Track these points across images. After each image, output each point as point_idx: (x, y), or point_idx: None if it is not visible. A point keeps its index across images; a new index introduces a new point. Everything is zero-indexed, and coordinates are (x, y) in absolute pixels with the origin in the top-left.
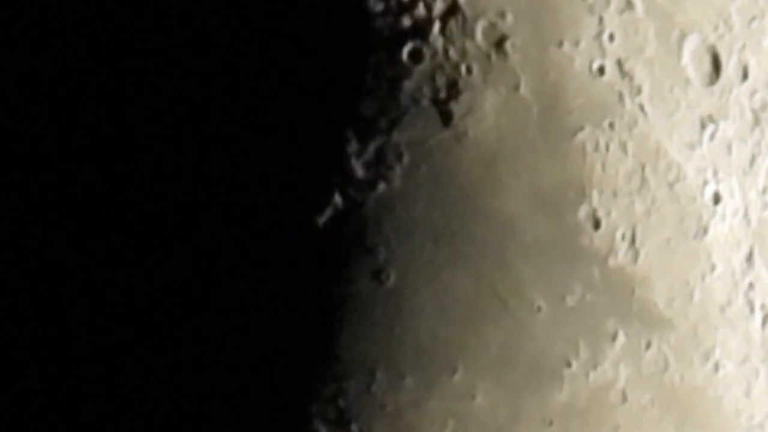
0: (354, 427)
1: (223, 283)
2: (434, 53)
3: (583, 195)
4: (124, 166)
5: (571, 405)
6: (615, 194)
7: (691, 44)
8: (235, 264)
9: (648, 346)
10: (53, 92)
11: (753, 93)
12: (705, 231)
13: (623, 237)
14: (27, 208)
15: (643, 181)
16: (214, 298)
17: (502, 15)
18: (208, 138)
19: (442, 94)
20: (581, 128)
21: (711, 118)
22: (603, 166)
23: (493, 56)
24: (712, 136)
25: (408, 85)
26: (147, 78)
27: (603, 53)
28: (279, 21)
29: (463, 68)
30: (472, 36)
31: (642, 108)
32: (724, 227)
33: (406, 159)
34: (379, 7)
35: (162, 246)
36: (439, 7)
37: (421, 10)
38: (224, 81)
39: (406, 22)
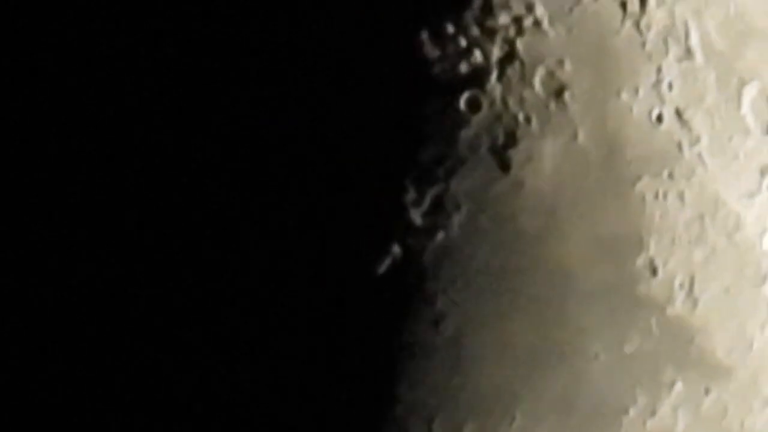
0: None
1: (286, 331)
2: (492, 101)
3: (641, 244)
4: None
5: None
6: (673, 243)
7: (750, 92)
8: (296, 312)
9: (707, 392)
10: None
11: None
12: (764, 279)
13: (681, 285)
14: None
15: (702, 230)
16: (277, 346)
17: (560, 63)
18: (270, 187)
19: (501, 143)
20: (640, 177)
21: None
22: (661, 215)
23: (552, 105)
24: None
25: (466, 133)
26: (215, 126)
27: (662, 102)
28: (338, 70)
29: (521, 117)
30: (531, 84)
31: (701, 157)
32: None
33: (464, 208)
34: (436, 54)
35: (223, 299)
36: (496, 54)
37: (478, 57)
38: (285, 130)
39: (464, 68)
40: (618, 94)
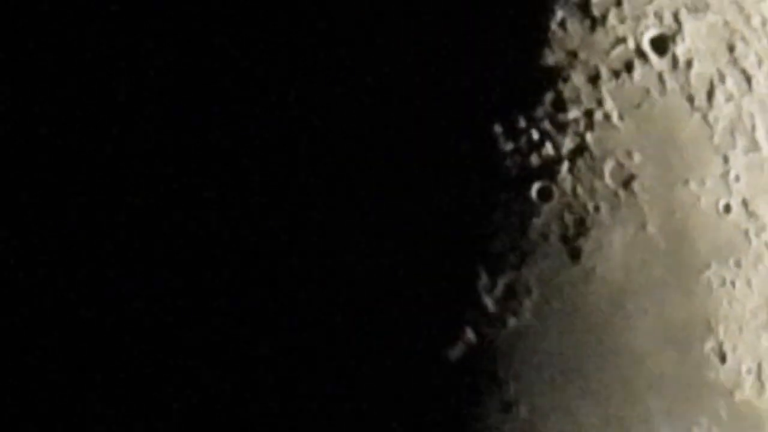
0: None
1: (359, 414)
2: (563, 192)
3: (709, 330)
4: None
5: None
6: (741, 329)
7: None
8: (370, 398)
9: None
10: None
11: None
12: None
13: (749, 371)
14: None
15: None
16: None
17: (629, 155)
18: (350, 272)
19: (571, 232)
20: (708, 266)
21: None
22: (729, 302)
23: (621, 195)
24: None
25: (537, 222)
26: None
27: (729, 192)
28: (417, 162)
29: (591, 207)
30: (601, 175)
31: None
32: None
33: (535, 294)
34: (509, 146)
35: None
36: (567, 146)
37: (549, 149)
38: (367, 219)
39: (535, 161)
40: (686, 184)
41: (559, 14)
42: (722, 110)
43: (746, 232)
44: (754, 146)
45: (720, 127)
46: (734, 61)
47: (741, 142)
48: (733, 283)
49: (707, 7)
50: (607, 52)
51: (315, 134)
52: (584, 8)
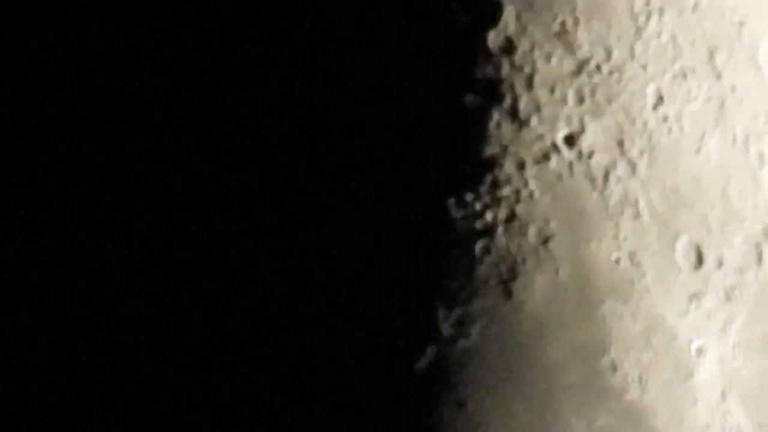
0: None
1: (337, 410)
2: (499, 248)
3: (605, 349)
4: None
5: None
6: (628, 349)
7: (682, 242)
8: (349, 397)
9: None
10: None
11: (725, 277)
12: (692, 375)
13: (634, 379)
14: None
15: (648, 339)
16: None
17: (547, 222)
18: (334, 301)
19: (505, 277)
20: (604, 302)
21: (696, 295)
22: (619, 329)
23: (541, 251)
24: (697, 308)
25: (480, 270)
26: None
27: (619, 248)
28: (386, 230)
29: (519, 259)
30: (526, 236)
31: (647, 288)
32: (705, 373)
33: (480, 323)
34: (460, 214)
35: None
36: (501, 215)
37: (488, 217)
38: (344, 266)
39: (479, 225)
40: (588, 243)
41: (496, 117)
42: (614, 189)
43: (632, 278)
44: (637, 214)
45: (612, 201)
46: (623, 153)
47: (628, 212)
48: (622, 316)
49: (604, 113)
50: (530, 146)
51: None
52: (513, 113)
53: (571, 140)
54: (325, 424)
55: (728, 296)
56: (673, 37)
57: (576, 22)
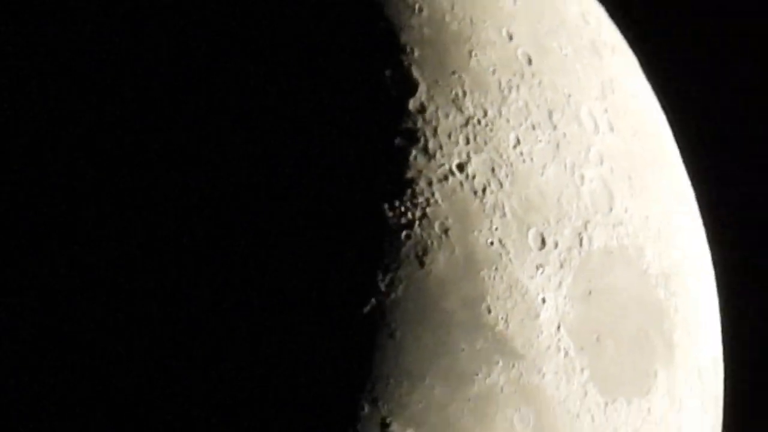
0: None
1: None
2: (416, 235)
3: (483, 299)
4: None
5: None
6: (497, 299)
7: (532, 232)
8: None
9: (496, 362)
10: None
11: (560, 254)
12: (538, 315)
13: (501, 318)
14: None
15: (510, 293)
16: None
17: (446, 219)
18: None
19: (420, 254)
20: (482, 270)
21: (541, 265)
22: (492, 287)
23: (443, 238)
24: (541, 273)
25: (404, 249)
26: None
27: (492, 236)
28: (327, 225)
29: (429, 243)
30: (433, 228)
31: (510, 261)
32: (546, 314)
33: (404, 283)
34: (391, 214)
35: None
36: (418, 215)
37: (409, 216)
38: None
39: (403, 221)
40: (472, 232)
41: (414, 153)
42: (489, 198)
43: (500, 254)
44: (504, 215)
45: (488, 206)
46: (494, 175)
47: (497, 213)
48: (493, 278)
49: (482, 150)
50: (436, 171)
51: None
52: (425, 150)
53: (461, 167)
54: (297, 350)
55: (561, 266)
56: (526, 103)
57: (464, 93)
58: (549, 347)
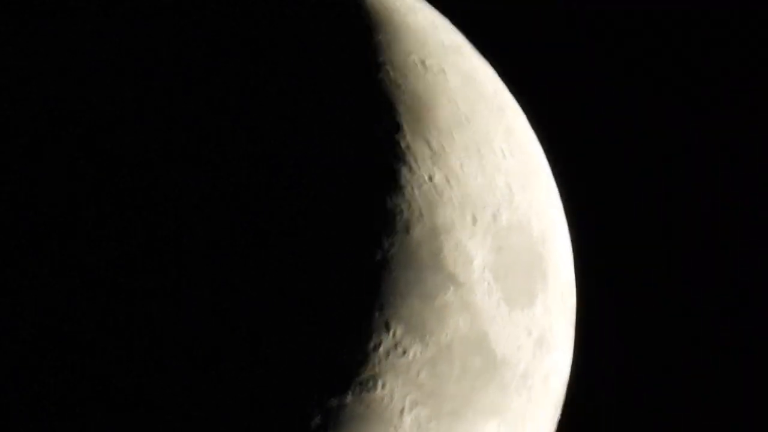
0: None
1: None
2: (405, 217)
3: (441, 252)
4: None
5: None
6: (454, 256)
7: (469, 214)
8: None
9: (445, 289)
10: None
11: (484, 226)
12: (474, 269)
13: (458, 273)
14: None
15: (457, 256)
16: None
17: (424, 212)
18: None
19: (408, 227)
20: (441, 249)
21: (474, 233)
22: (448, 250)
23: (423, 218)
24: (474, 237)
25: (398, 224)
26: None
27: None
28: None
29: (413, 219)
30: (414, 211)
31: (457, 230)
32: (478, 270)
33: (396, 244)
34: (391, 204)
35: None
36: (406, 207)
37: (403, 206)
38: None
39: (397, 209)
40: (439, 218)
41: (403, 170)
42: (445, 195)
43: (454, 223)
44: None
45: (444, 199)
46: (447, 182)
47: (450, 202)
48: (451, 244)
49: (443, 169)
50: (417, 180)
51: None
52: (410, 168)
53: (431, 178)
54: (333, 284)
55: (484, 234)
56: (466, 143)
57: (431, 137)
58: (479, 279)
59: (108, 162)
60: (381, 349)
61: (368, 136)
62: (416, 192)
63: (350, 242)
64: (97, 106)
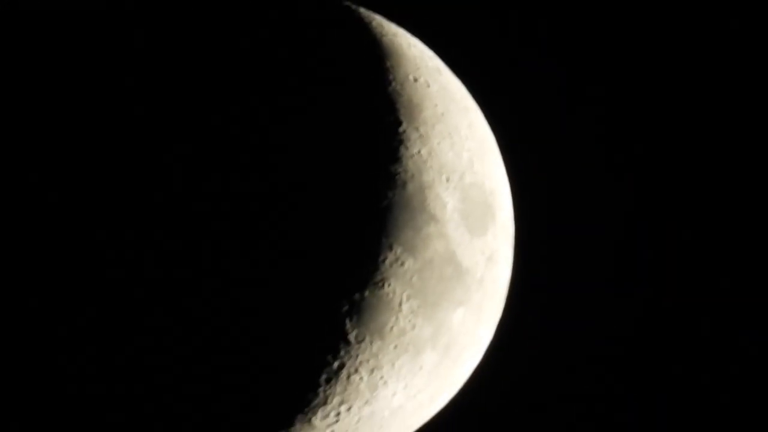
0: None
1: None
2: (406, 188)
3: (426, 200)
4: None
5: None
6: (434, 200)
7: (444, 176)
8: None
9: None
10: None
11: (453, 183)
12: (446, 205)
13: (445, 218)
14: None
15: (437, 197)
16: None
17: (413, 172)
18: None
19: (405, 183)
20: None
21: (446, 187)
22: (434, 208)
23: (413, 178)
24: (447, 190)
25: (398, 182)
26: None
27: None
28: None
29: (407, 179)
30: (408, 173)
31: (435, 186)
32: (449, 205)
33: (397, 191)
34: (393, 187)
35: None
36: (403, 169)
37: (401, 170)
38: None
39: (402, 184)
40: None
41: (401, 149)
42: (428, 163)
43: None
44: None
45: (427, 165)
46: (430, 155)
47: (431, 168)
48: (430, 194)
49: (426, 146)
50: (411, 155)
51: None
52: (406, 147)
53: (419, 153)
54: (350, 222)
55: (454, 188)
56: (448, 130)
57: (420, 126)
58: (450, 218)
59: (109, 162)
60: (387, 262)
61: (380, 125)
62: (409, 162)
63: (366, 193)
64: (102, 106)
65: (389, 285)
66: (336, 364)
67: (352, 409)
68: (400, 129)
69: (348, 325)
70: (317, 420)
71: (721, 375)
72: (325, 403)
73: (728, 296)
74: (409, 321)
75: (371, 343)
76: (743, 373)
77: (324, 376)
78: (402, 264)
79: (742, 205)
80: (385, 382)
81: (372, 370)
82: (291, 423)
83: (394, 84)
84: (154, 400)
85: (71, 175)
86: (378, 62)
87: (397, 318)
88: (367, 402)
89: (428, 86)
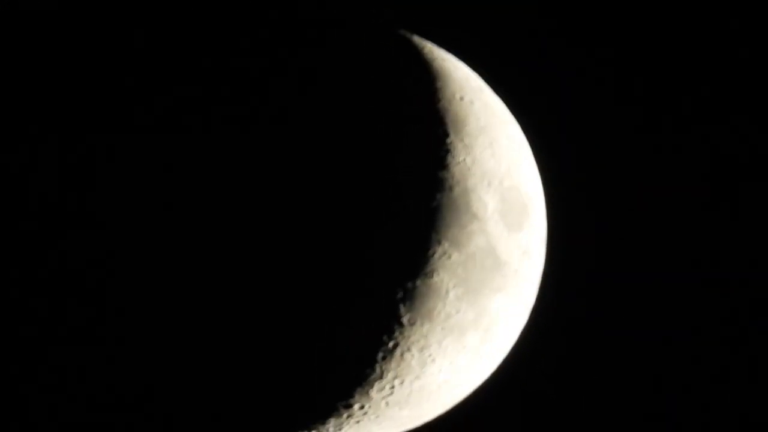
0: None
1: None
2: (451, 190)
3: (470, 202)
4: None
5: None
6: (476, 202)
7: (485, 180)
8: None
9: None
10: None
11: (493, 185)
12: (487, 206)
13: (486, 216)
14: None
15: (480, 199)
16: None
17: (458, 178)
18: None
19: (446, 177)
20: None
21: (488, 191)
22: (474, 197)
23: (459, 183)
24: (488, 192)
25: (447, 185)
26: None
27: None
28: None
29: (454, 183)
30: (454, 177)
31: (477, 189)
32: (490, 206)
33: (445, 196)
34: (443, 185)
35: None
36: (450, 175)
37: (449, 176)
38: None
39: (447, 178)
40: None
41: (448, 156)
42: (472, 169)
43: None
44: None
45: (472, 171)
46: (474, 162)
47: (475, 173)
48: (474, 195)
49: (470, 154)
50: (457, 161)
51: None
52: (453, 155)
53: (464, 161)
54: (402, 224)
55: (495, 191)
56: (491, 141)
57: (464, 138)
58: (491, 217)
59: (113, 162)
60: (436, 255)
61: (432, 138)
62: (455, 169)
63: (420, 195)
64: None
65: (438, 275)
66: (391, 344)
67: (405, 383)
68: (448, 140)
69: (402, 309)
70: (374, 392)
71: None
72: (381, 377)
73: None
74: (454, 306)
75: (421, 325)
76: None
77: (381, 354)
78: (449, 257)
79: (742, 205)
80: (433, 360)
81: (422, 349)
82: (351, 395)
83: (443, 101)
84: (222, 362)
85: (71, 175)
86: (429, 83)
87: (444, 304)
88: (417, 377)
89: (472, 103)
